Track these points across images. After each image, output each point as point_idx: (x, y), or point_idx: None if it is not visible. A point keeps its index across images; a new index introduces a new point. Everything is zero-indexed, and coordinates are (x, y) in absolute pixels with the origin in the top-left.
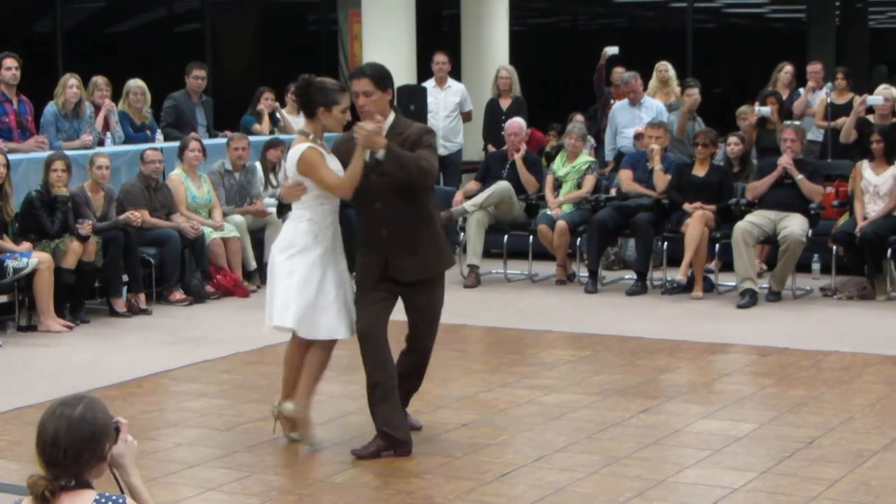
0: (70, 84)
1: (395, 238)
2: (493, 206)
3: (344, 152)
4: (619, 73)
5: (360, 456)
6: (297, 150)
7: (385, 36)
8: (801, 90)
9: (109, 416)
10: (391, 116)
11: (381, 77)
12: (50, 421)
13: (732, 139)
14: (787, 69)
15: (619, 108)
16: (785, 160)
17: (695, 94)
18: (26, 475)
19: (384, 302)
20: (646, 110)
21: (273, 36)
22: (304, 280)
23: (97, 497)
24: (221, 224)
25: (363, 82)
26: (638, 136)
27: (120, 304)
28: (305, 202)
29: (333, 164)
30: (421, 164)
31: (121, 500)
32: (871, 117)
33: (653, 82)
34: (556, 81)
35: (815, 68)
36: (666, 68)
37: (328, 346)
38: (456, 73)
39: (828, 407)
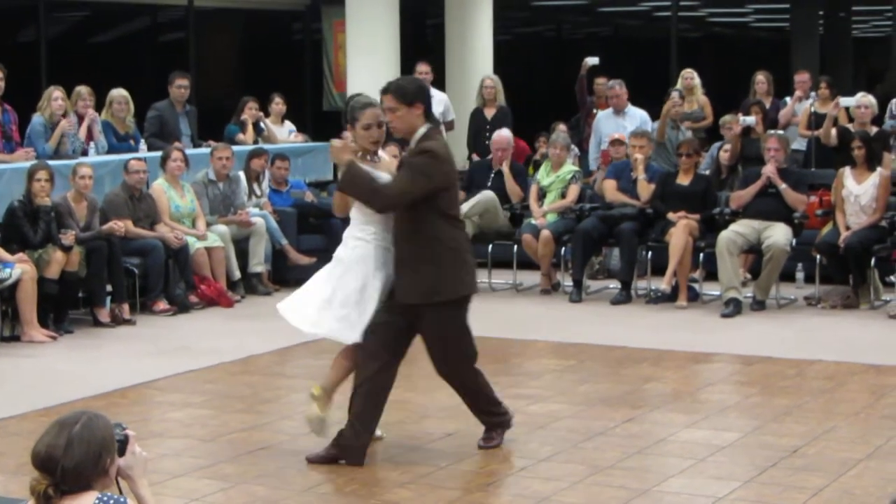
0: (55, 97)
1: (399, 256)
2: (478, 215)
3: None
4: (602, 83)
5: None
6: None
7: (369, 45)
8: (788, 99)
9: (111, 430)
10: (420, 130)
11: (403, 92)
12: (47, 440)
13: (728, 145)
14: (759, 78)
15: (603, 117)
16: (769, 169)
17: (675, 96)
18: (9, 486)
19: (389, 317)
20: (630, 119)
21: (257, 45)
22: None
23: (99, 496)
24: (205, 234)
25: (387, 98)
26: (614, 143)
27: (104, 315)
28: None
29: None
30: (375, 187)
31: (122, 501)
32: (851, 126)
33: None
34: (541, 91)
35: (802, 78)
36: (692, 76)
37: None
38: (440, 83)
39: (812, 416)
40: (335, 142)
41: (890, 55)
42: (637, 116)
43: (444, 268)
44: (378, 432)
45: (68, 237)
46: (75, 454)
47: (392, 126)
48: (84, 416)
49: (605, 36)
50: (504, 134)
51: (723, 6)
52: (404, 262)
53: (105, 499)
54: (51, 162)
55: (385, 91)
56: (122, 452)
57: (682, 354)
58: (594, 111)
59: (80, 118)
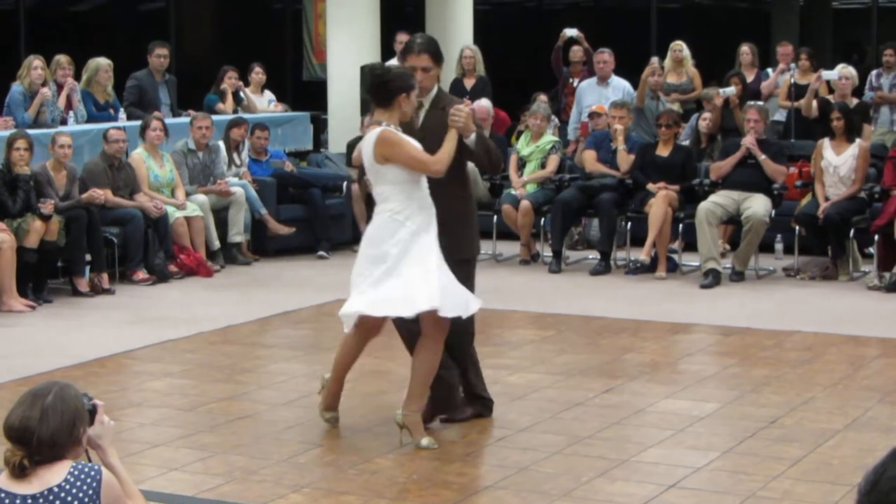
0: (34, 66)
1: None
2: None
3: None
4: (576, 50)
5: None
6: (372, 134)
7: (349, 15)
8: (770, 71)
9: (82, 400)
10: (434, 90)
11: (438, 52)
12: (20, 412)
13: (706, 114)
14: (744, 50)
15: (585, 87)
16: (748, 140)
17: (655, 62)
18: None
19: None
20: (613, 90)
21: (237, 15)
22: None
23: (73, 465)
24: (184, 203)
25: (423, 58)
26: (593, 115)
27: (83, 284)
28: (386, 193)
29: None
30: (498, 152)
31: (96, 468)
32: (831, 97)
33: (667, 62)
34: (521, 61)
35: (785, 50)
36: (681, 48)
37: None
38: None
39: (790, 386)
40: (465, 109)
41: (870, 27)
42: (620, 87)
43: (474, 226)
44: None
45: (47, 206)
46: (50, 425)
47: (423, 85)
48: (55, 386)
49: (586, 6)
50: (483, 104)
51: None
52: (450, 220)
53: (80, 467)
54: (30, 131)
55: (421, 50)
56: (90, 422)
57: (661, 325)
58: (570, 81)
59: (60, 87)
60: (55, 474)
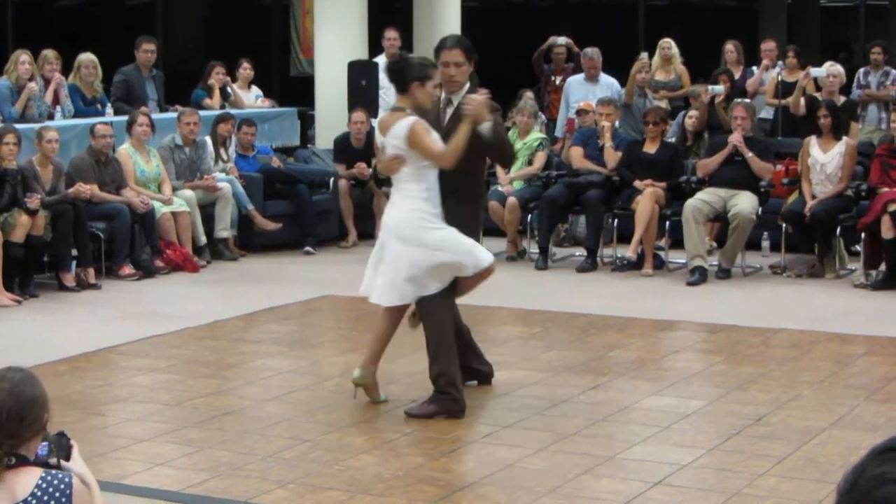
0: (22, 61)
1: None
2: None
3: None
4: (560, 52)
5: (414, 415)
6: (405, 123)
7: (337, 11)
8: (755, 68)
9: (42, 387)
10: (465, 87)
11: (470, 49)
12: None
13: (693, 111)
14: (729, 47)
15: (574, 83)
16: (735, 138)
17: (644, 57)
18: None
19: None
20: (601, 87)
21: (224, 10)
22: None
23: (42, 475)
24: (171, 198)
25: (455, 53)
26: (580, 112)
27: (69, 279)
28: (411, 175)
29: (435, 135)
30: (513, 146)
31: (67, 479)
32: (819, 95)
33: (656, 59)
34: (508, 57)
35: (769, 46)
36: (669, 45)
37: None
38: (408, 49)
39: (776, 384)
40: (477, 98)
41: (857, 25)
42: (608, 85)
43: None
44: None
45: (34, 201)
46: (19, 399)
47: (455, 80)
48: (23, 369)
49: (574, 3)
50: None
51: None
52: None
53: (48, 478)
54: (17, 125)
55: (453, 45)
56: (66, 458)
57: (648, 322)
58: (553, 79)
59: (47, 82)
60: (22, 486)
